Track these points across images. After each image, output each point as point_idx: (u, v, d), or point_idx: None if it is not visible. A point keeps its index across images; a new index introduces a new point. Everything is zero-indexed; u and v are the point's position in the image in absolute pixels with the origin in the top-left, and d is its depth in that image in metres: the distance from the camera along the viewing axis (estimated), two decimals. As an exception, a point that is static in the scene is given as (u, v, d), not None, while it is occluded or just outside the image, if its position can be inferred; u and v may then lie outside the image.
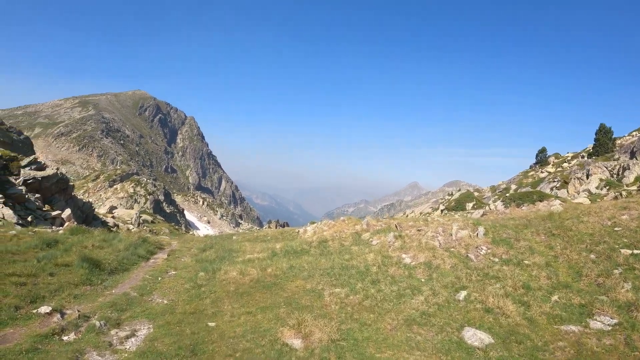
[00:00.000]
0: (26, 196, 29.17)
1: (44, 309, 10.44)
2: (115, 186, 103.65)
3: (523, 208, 30.26)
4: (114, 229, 35.49)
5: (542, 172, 63.81)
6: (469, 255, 15.62)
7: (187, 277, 15.73)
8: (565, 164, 62.42)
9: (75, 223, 31.36)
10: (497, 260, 14.84)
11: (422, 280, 13.90)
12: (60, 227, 27.42)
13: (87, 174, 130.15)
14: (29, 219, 27.14)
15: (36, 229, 22.45)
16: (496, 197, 57.39)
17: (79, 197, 40.95)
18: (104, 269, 15.29)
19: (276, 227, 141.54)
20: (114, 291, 13.37)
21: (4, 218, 24.34)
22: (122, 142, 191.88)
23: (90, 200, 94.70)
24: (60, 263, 14.53)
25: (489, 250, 15.69)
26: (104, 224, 38.40)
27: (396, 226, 21.41)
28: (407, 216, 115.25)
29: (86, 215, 38.11)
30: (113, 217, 40.86)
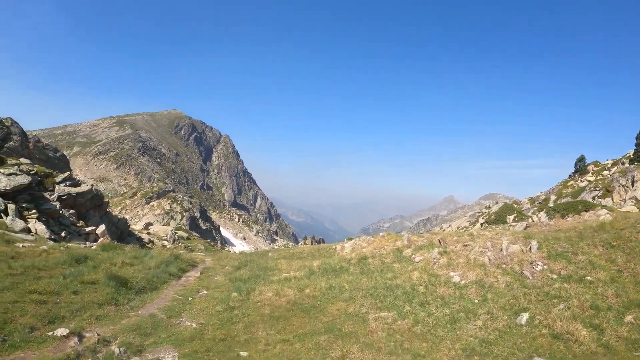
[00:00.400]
0: (60, 212, 28.87)
1: (61, 331, 9.48)
2: (152, 203, 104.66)
3: (568, 219, 28.17)
4: (149, 245, 35.17)
5: (581, 181, 61.12)
6: (523, 272, 14.03)
7: (219, 297, 14.60)
8: (605, 172, 59.47)
9: (109, 239, 30.91)
10: (555, 277, 13.23)
11: (476, 301, 12.44)
12: (94, 243, 26.97)
13: (125, 191, 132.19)
14: (63, 234, 26.78)
15: (68, 245, 21.92)
16: (535, 208, 55.50)
17: (114, 214, 40.86)
18: (132, 288, 14.33)
19: (312, 244, 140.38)
20: (140, 312, 12.36)
21: (36, 233, 23.93)
22: (158, 160, 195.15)
23: (127, 216, 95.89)
24: (87, 280, 13.70)
25: (545, 266, 14.05)
26: (139, 240, 38.00)
27: (439, 241, 19.97)
28: (444, 231, 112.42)
29: (121, 232, 37.80)
30: (148, 233, 40.46)
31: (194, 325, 11.64)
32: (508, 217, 55.04)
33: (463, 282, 14.04)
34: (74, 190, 32.37)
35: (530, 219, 44.40)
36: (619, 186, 45.65)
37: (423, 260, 17.32)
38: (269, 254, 30.86)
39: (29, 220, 25.25)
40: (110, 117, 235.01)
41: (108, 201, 38.60)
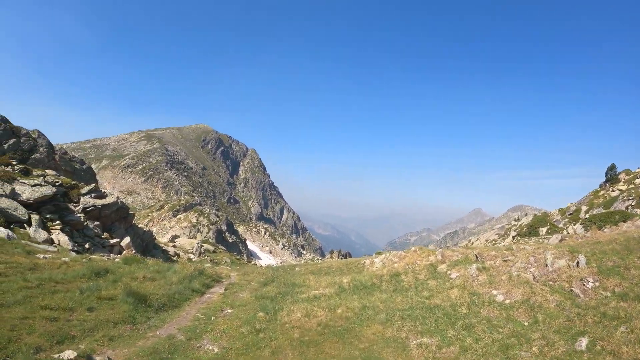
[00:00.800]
0: (85, 223, 28.45)
1: (68, 353, 8.46)
2: (179, 216, 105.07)
3: (605, 230, 26.39)
4: (174, 258, 34.77)
5: (613, 190, 58.45)
6: (573, 289, 12.47)
7: (244, 317, 13.47)
8: (637, 180, 56.67)
9: (134, 251, 30.45)
10: (609, 294, 11.61)
11: (526, 324, 10.99)
12: (118, 255, 26.42)
13: (152, 204, 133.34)
14: (87, 245, 26.35)
15: (91, 257, 21.37)
16: (566, 219, 53.91)
17: (139, 226, 40.49)
18: (151, 305, 13.37)
19: (339, 257, 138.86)
20: (158, 332, 11.33)
21: (59, 244, 23.44)
22: (185, 173, 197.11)
23: (154, 229, 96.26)
24: (104, 296, 12.80)
25: (596, 283, 12.43)
26: (165, 253, 37.61)
27: (476, 256, 18.67)
28: (472, 244, 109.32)
29: (146, 244, 37.37)
30: (174, 246, 40.01)
31: (216, 349, 10.50)
32: (541, 229, 53.91)
33: (508, 301, 12.67)
34: (99, 202, 32.00)
35: (564, 231, 42.71)
36: None
37: (460, 277, 16.17)
38: (296, 269, 29.94)
39: (52, 231, 24.86)
40: (139, 132, 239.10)
41: (133, 214, 38.19)
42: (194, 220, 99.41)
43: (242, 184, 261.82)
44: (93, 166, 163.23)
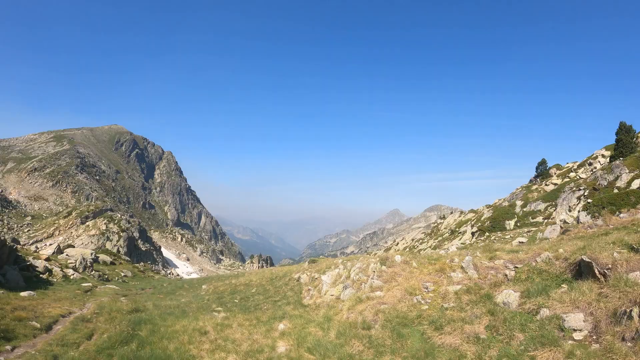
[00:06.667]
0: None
1: None
2: (87, 223, 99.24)
3: (621, 216, 23.40)
4: (44, 276, 28.23)
5: (546, 184, 59.81)
6: None
7: None
8: (572, 174, 58.72)
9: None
10: None
11: None
12: None
13: (61, 210, 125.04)
14: None
15: None
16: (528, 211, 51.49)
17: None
18: None
19: (259, 263, 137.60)
20: None
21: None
22: (97, 177, 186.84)
23: (60, 238, 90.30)
24: None
25: None
26: (29, 269, 27.93)
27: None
28: (397, 244, 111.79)
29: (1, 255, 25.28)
30: (48, 259, 33.13)
31: None
32: (507, 222, 51.65)
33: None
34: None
35: (559, 221, 34.94)
36: (607, 183, 43.80)
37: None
38: (203, 287, 25.37)
39: None
40: (48, 132, 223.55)
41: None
42: (104, 227, 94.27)
43: (158, 189, 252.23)
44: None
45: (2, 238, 24.98)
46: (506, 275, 12.41)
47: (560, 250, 12.45)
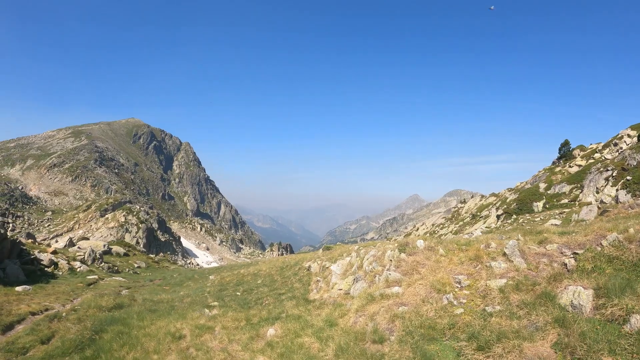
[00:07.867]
0: None
1: None
2: (106, 216, 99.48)
3: None
4: (49, 270, 27.62)
5: (570, 166, 57.77)
6: None
7: None
8: (596, 155, 56.85)
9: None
10: None
11: None
12: None
13: (81, 204, 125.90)
14: None
15: None
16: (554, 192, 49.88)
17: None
18: None
19: (279, 251, 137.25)
20: None
21: None
22: (116, 170, 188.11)
23: (80, 231, 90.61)
24: None
25: None
26: (33, 263, 27.53)
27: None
28: (417, 230, 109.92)
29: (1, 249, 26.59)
30: (55, 252, 32.07)
31: None
32: (535, 204, 49.11)
33: None
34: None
35: (596, 201, 33.15)
36: (637, 162, 41.85)
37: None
38: (210, 277, 24.27)
39: None
40: (66, 128, 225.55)
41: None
42: (122, 219, 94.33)
43: (177, 180, 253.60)
44: (17, 167, 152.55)
45: (1, 232, 24.13)
46: (565, 264, 9.71)
47: (631, 230, 9.70)
